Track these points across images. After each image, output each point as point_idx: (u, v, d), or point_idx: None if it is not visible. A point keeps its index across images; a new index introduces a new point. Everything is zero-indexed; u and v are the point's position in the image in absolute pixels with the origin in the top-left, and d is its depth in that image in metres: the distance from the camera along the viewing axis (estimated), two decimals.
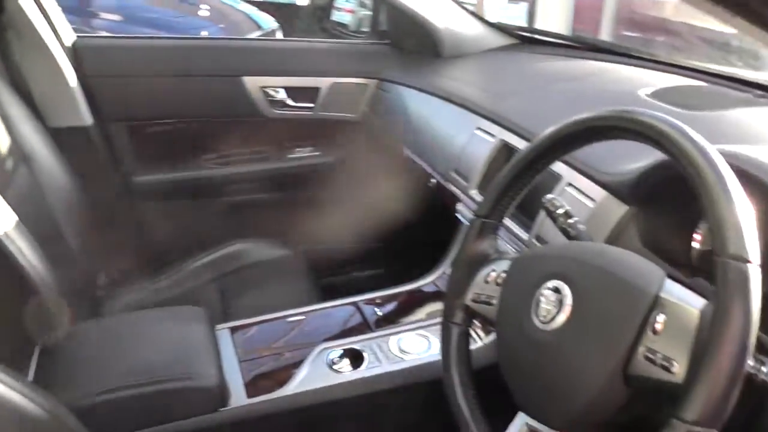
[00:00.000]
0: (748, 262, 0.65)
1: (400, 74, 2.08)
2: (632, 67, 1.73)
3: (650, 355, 0.70)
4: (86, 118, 1.86)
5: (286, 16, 6.11)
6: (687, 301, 0.72)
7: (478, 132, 1.56)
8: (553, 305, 0.81)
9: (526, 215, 1.29)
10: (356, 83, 2.15)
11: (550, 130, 0.93)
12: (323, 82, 2.11)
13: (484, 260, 0.99)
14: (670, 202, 1.06)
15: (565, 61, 1.91)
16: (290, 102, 2.10)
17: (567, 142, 0.92)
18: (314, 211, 2.23)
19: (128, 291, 1.76)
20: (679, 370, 0.68)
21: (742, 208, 0.67)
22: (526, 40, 2.14)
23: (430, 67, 2.03)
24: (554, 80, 1.75)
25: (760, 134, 1.22)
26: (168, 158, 2.05)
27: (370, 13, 2.55)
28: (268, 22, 5.23)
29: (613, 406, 0.75)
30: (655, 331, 0.71)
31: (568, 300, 0.80)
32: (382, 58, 2.18)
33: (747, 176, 0.82)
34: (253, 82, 2.04)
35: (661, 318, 0.71)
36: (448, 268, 1.63)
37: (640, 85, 1.50)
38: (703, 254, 1.02)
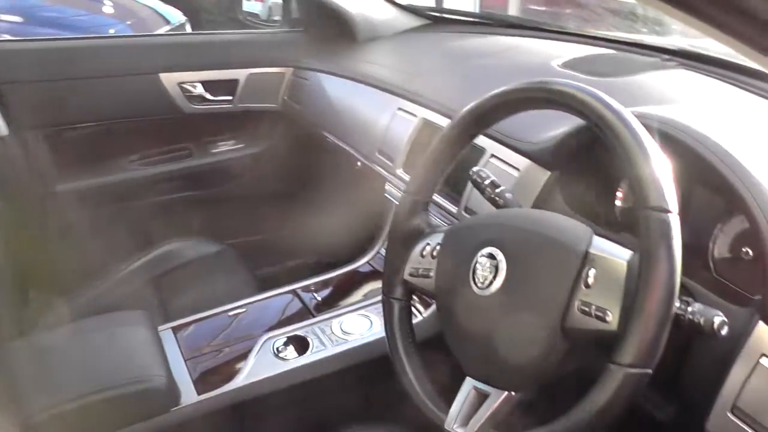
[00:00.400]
0: (669, 211, 0.70)
1: (317, 61, 2.08)
2: (543, 41, 1.79)
3: (585, 308, 0.75)
4: (0, 128, 1.80)
5: (192, 8, 5.99)
6: (614, 254, 0.77)
7: (400, 112, 1.60)
8: (489, 271, 0.85)
9: (454, 190, 1.33)
10: (273, 72, 2.14)
11: (471, 105, 0.96)
12: (240, 74, 2.10)
13: (417, 236, 1.02)
14: (591, 165, 1.12)
15: (478, 38, 1.96)
16: (209, 96, 2.08)
17: (489, 114, 0.96)
18: (243, 204, 2.23)
19: (61, 304, 1.72)
20: (612, 318, 0.73)
21: (659, 163, 0.72)
22: (438, 20, 2.18)
23: (345, 52, 2.05)
24: (468, 57, 1.80)
25: (668, 95, 1.30)
26: (89, 164, 2.00)
27: (280, 1, 2.54)
28: (176, 16, 5.12)
29: (554, 360, 0.80)
30: (587, 285, 0.76)
31: (503, 265, 0.84)
32: (297, 46, 2.18)
33: (660, 134, 0.87)
34: (169, 79, 2.02)
35: (591, 272, 0.76)
36: (381, 248, 1.66)
37: (552, 56, 1.56)
38: (625, 211, 1.08)
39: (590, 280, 0.76)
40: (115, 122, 2.02)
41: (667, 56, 1.49)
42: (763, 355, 0.78)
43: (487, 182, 1.07)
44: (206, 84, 2.07)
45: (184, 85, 2.04)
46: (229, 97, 2.11)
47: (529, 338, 0.81)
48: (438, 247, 0.97)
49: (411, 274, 1.00)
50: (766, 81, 1.22)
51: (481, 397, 0.88)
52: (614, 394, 0.70)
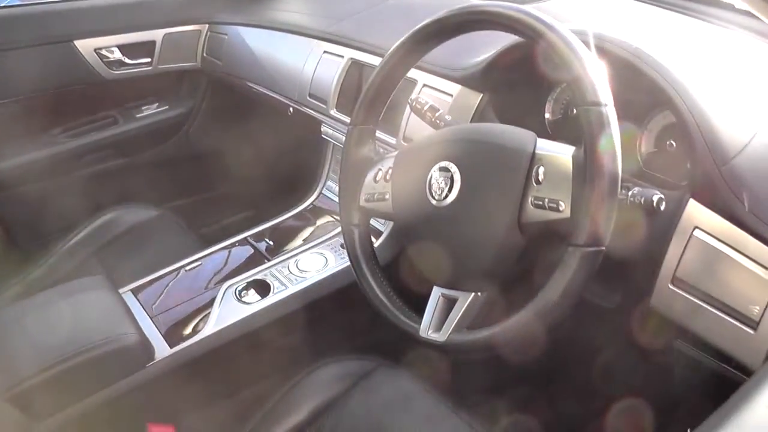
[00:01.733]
0: (605, 104, 0.78)
1: (232, 15, 2.08)
2: None
3: (538, 202, 0.83)
4: None
5: None
6: (559, 152, 0.85)
7: (326, 55, 1.63)
8: (444, 183, 0.91)
9: (389, 123, 1.38)
10: (190, 30, 2.13)
11: (408, 34, 1.02)
12: (157, 35, 2.08)
13: (368, 163, 1.08)
14: (518, 85, 1.19)
15: None
16: (127, 60, 2.05)
17: (426, 42, 1.01)
18: (176, 166, 2.22)
19: (11, 282, 1.70)
20: (565, 207, 0.81)
21: (593, 65, 0.80)
22: None
23: (258, 3, 2.06)
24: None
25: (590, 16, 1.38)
26: (13, 141, 1.96)
27: None
28: None
29: (514, 257, 0.88)
30: (538, 182, 0.84)
31: (457, 176, 0.91)
32: (210, 2, 2.17)
33: (594, 45, 0.95)
34: (85, 46, 1.98)
35: (541, 170, 0.84)
36: (324, 188, 1.71)
37: None
38: (553, 123, 1.17)
39: (540, 177, 0.84)
40: (33, 96, 1.97)
41: None
42: (696, 227, 0.88)
43: (426, 107, 1.13)
44: (123, 48, 2.04)
45: (101, 51, 2.01)
46: (148, 59, 2.09)
47: (489, 240, 0.88)
48: (390, 171, 1.03)
49: (367, 200, 1.07)
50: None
51: (450, 303, 0.95)
52: (575, 273, 0.78)
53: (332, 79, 1.58)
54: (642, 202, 0.83)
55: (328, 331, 1.43)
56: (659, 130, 1.04)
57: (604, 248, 0.78)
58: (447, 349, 0.94)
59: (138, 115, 2.18)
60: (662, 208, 0.83)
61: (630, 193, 0.83)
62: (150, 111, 2.20)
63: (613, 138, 0.77)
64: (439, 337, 0.94)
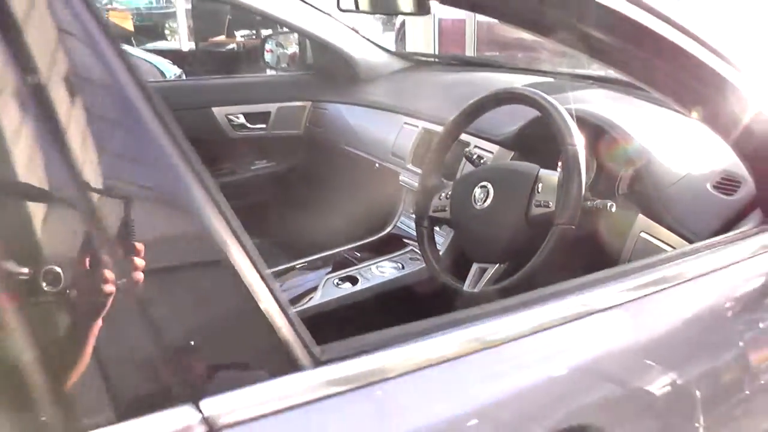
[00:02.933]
0: (576, 145, 1.36)
1: (331, 95, 2.75)
2: (501, 74, 2.48)
3: (537, 203, 1.42)
4: None
5: (183, 61, 6.67)
6: (551, 174, 1.44)
7: (406, 126, 2.27)
8: (483, 195, 1.51)
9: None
10: (297, 105, 2.80)
11: (461, 110, 1.63)
12: (272, 107, 2.75)
13: (435, 190, 1.68)
14: (538, 147, 1.79)
15: (453, 74, 2.65)
16: (248, 125, 2.72)
17: (472, 114, 1.63)
18: (277, 209, 2.84)
19: None
20: (552, 204, 1.39)
21: (570, 122, 1.38)
22: (419, 62, 2.87)
23: (352, 88, 2.72)
24: (447, 87, 2.47)
25: (587, 101, 1.98)
26: None
27: (285, 51, 3.19)
28: (172, 69, 5.78)
29: (525, 240, 1.46)
30: (538, 192, 1.42)
31: (491, 190, 1.50)
32: (313, 84, 2.85)
33: (577, 117, 1.54)
34: (219, 111, 2.66)
35: (539, 185, 1.43)
36: (398, 221, 2.31)
37: (506, 84, 2.25)
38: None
39: (539, 189, 1.43)
40: None
41: (590, 81, 2.19)
42: (642, 231, 1.44)
43: (475, 157, 1.74)
44: (246, 115, 2.72)
45: (230, 116, 2.68)
46: (264, 125, 2.76)
47: (508, 228, 1.47)
48: (450, 192, 1.63)
49: (434, 211, 1.66)
50: (637, 89, 1.90)
51: (482, 271, 1.52)
52: (554, 243, 1.35)
53: (409, 143, 2.21)
54: (599, 206, 1.40)
55: (398, 315, 1.99)
56: (629, 177, 1.61)
57: (573, 227, 1.35)
58: (479, 298, 1.50)
59: (251, 168, 2.84)
60: (613, 210, 1.40)
61: (591, 203, 1.41)
62: (260, 165, 2.86)
63: (580, 164, 1.34)
64: (476, 290, 1.51)
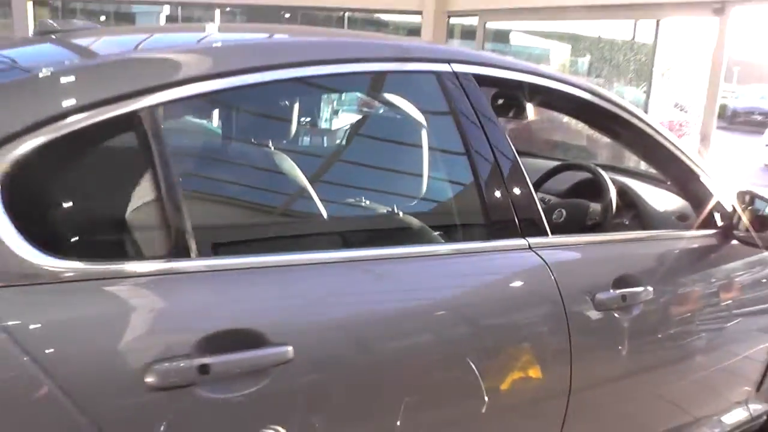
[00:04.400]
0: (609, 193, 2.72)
1: None
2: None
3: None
4: None
5: None
6: (596, 206, 2.79)
7: None
8: (558, 215, 2.86)
9: None
10: None
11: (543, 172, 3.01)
12: None
13: None
14: (583, 196, 3.16)
15: None
16: None
17: (551, 174, 3.01)
18: None
19: None
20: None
21: (612, 191, 2.73)
22: None
23: None
24: None
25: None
26: None
27: None
28: None
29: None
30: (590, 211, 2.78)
31: (563, 213, 2.86)
32: None
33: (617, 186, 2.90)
34: None
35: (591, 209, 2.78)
36: None
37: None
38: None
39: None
40: None
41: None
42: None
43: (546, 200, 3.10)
44: None
45: None
46: None
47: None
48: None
49: None
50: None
51: None
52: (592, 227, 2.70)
53: None
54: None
55: None
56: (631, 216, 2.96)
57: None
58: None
59: None
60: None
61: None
62: None
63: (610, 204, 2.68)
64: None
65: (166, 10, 13.34)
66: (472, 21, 9.60)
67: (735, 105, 24.30)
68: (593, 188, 2.71)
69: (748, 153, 15.03)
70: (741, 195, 2.47)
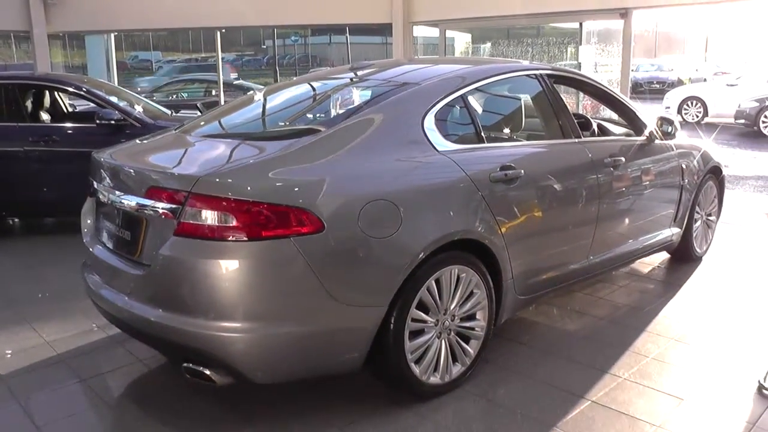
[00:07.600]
0: None
1: None
2: None
3: None
4: None
5: None
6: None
7: None
8: None
9: None
10: None
11: None
12: None
13: None
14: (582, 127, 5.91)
15: None
16: None
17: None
18: None
19: None
20: None
21: (594, 124, 5.48)
22: None
23: None
24: None
25: None
26: None
27: None
28: None
29: None
30: None
31: None
32: None
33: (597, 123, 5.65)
34: None
35: None
36: None
37: None
38: None
39: None
40: None
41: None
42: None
43: None
44: None
45: None
46: None
47: None
48: None
49: None
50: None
51: None
52: None
53: None
54: None
55: None
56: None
57: None
58: None
59: None
60: None
61: None
62: None
63: None
64: None
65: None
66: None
67: (636, 76, 27.34)
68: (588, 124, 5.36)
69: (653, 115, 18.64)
70: (658, 119, 5.22)
